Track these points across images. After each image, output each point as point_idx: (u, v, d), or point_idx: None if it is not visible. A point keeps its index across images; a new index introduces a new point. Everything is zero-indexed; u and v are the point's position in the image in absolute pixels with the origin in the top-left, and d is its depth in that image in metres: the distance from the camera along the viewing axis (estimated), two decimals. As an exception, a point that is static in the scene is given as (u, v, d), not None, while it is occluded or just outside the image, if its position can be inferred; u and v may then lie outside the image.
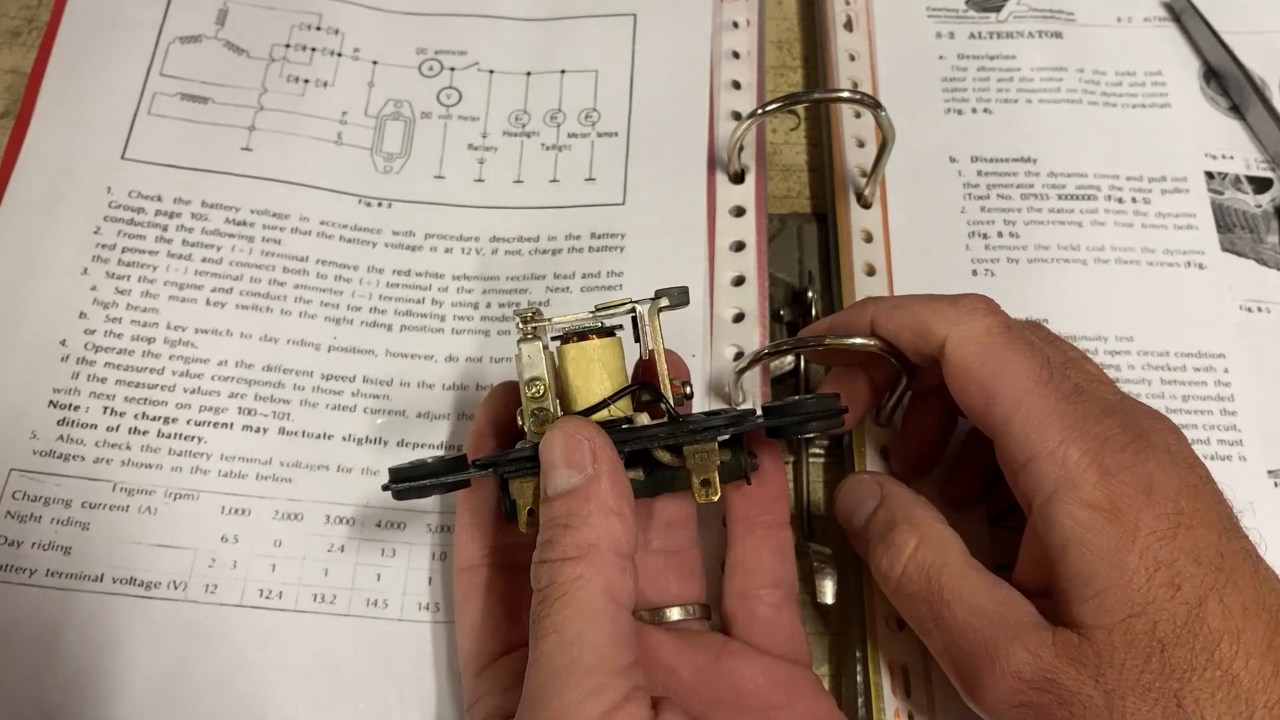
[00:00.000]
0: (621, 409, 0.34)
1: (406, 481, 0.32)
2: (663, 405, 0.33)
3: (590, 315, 0.33)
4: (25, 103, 0.47)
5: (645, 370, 0.35)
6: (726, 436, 0.34)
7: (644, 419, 0.34)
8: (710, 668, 0.34)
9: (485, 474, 0.33)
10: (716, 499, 0.33)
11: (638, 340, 0.34)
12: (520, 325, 0.33)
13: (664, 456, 0.34)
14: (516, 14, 0.52)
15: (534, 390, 0.33)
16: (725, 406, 0.37)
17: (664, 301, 0.33)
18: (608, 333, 0.34)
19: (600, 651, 0.28)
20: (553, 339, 0.34)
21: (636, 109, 0.49)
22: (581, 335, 0.34)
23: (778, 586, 0.36)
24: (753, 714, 0.33)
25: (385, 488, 0.33)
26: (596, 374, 0.33)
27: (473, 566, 0.36)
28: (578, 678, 0.27)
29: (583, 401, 0.33)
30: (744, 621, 0.36)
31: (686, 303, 0.34)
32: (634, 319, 0.34)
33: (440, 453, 0.41)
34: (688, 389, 0.35)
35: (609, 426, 0.32)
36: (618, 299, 0.34)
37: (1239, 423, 0.42)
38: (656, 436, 0.32)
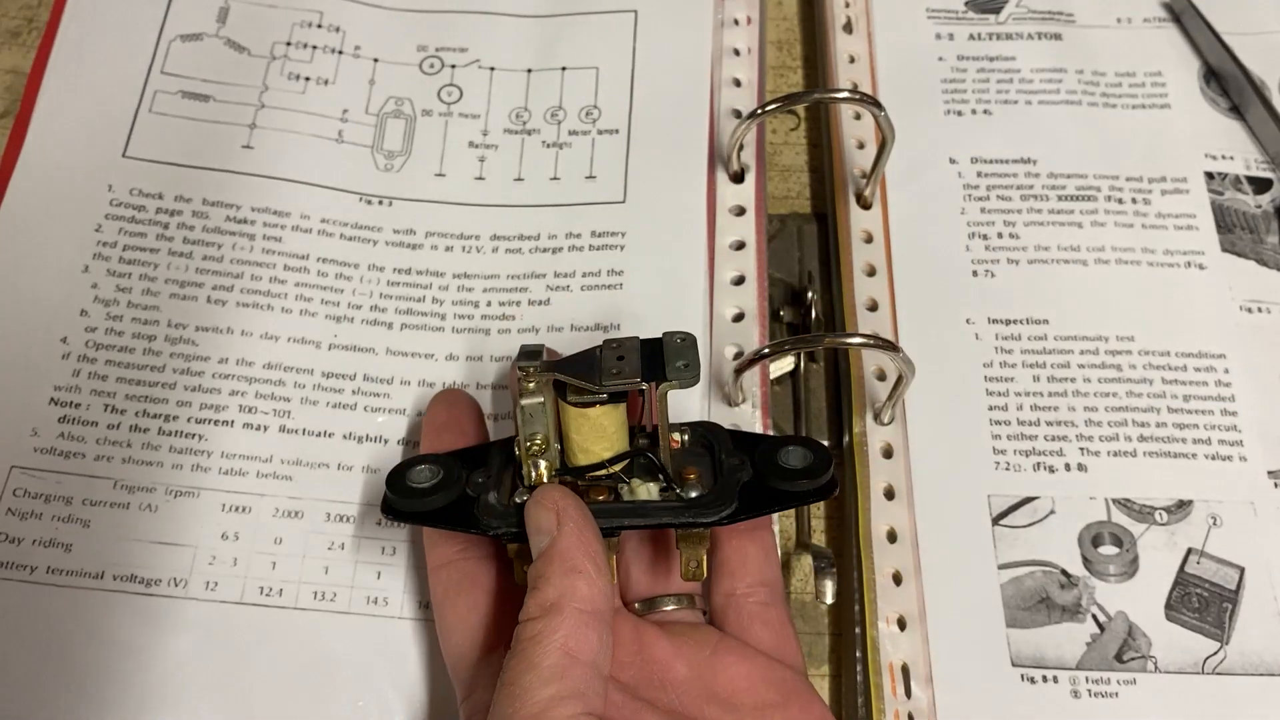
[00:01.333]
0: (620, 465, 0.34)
1: (403, 513, 0.35)
2: (660, 477, 0.34)
3: (602, 388, 0.33)
4: (25, 102, 0.47)
5: (648, 439, 0.35)
6: (718, 522, 0.34)
7: (640, 488, 0.34)
8: (706, 663, 0.34)
9: (487, 533, 0.34)
10: (703, 579, 0.35)
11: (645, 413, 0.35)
12: (523, 379, 0.33)
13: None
14: (517, 10, 0.52)
15: (536, 444, 0.33)
16: (729, 428, 0.37)
17: (675, 384, 0.33)
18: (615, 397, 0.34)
19: (541, 705, 0.28)
20: (557, 394, 0.34)
21: (637, 106, 0.49)
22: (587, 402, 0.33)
23: (765, 585, 0.36)
24: (748, 712, 0.33)
25: (384, 510, 0.35)
26: (599, 440, 0.34)
27: (450, 562, 0.36)
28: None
29: (584, 458, 0.34)
30: (734, 619, 0.36)
31: (697, 380, 0.33)
32: (645, 395, 0.34)
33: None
34: (685, 438, 0.35)
35: (602, 503, 0.33)
36: (626, 381, 0.32)
37: (1239, 423, 0.42)
38: (650, 515, 0.33)
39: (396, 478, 0.35)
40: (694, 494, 0.33)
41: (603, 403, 0.33)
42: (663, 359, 0.33)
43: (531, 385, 0.33)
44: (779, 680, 0.34)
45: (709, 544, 0.34)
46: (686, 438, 0.36)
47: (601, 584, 0.31)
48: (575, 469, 0.34)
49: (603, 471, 0.34)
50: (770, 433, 0.38)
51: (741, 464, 0.34)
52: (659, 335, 0.33)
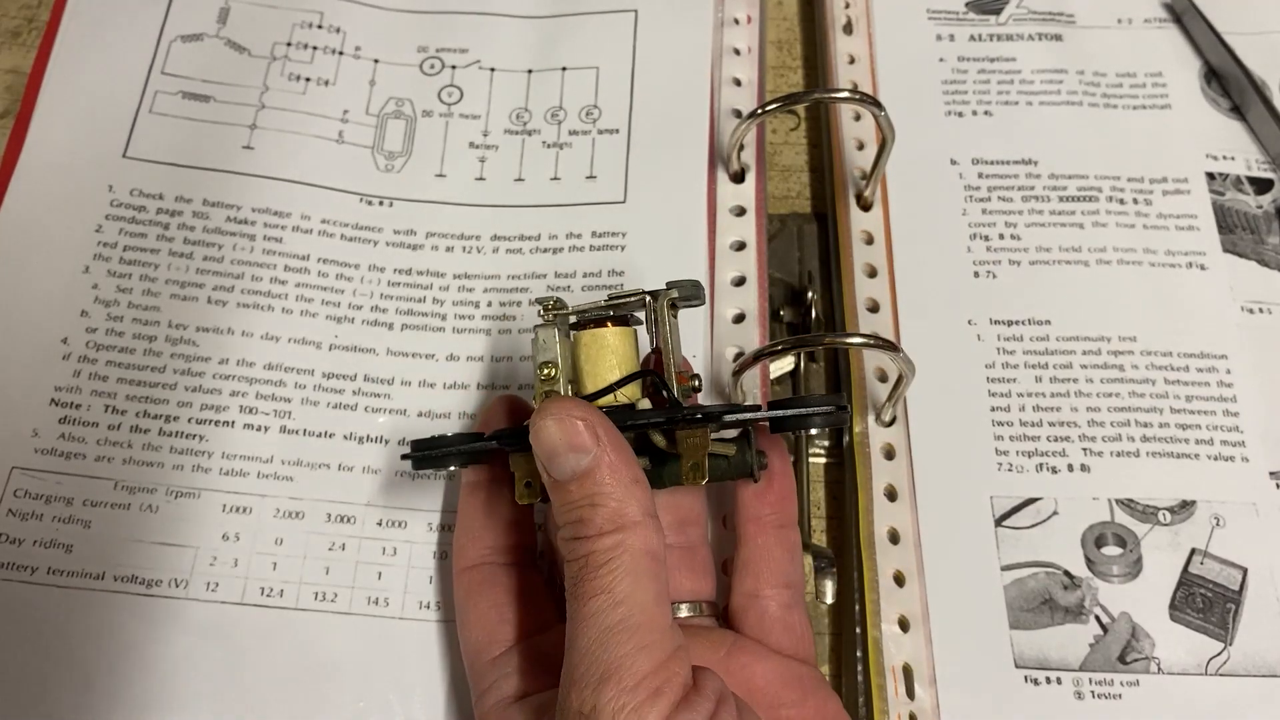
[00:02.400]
0: (628, 395, 0.34)
1: (426, 451, 0.34)
2: (664, 394, 0.34)
3: (607, 303, 0.34)
4: (25, 102, 0.47)
5: (655, 363, 0.35)
6: (720, 424, 0.34)
7: (647, 405, 0.34)
8: (721, 664, 0.34)
9: (498, 446, 0.34)
10: (704, 482, 0.34)
11: (652, 332, 0.35)
12: (541, 312, 0.34)
13: (660, 441, 0.34)
14: (517, 11, 0.52)
15: (546, 372, 0.33)
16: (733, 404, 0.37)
17: (674, 294, 0.34)
18: (623, 321, 0.35)
19: (648, 610, 0.29)
20: (571, 327, 0.35)
21: (637, 106, 0.49)
22: (599, 322, 0.34)
23: (788, 587, 0.36)
24: (763, 710, 0.33)
25: (405, 458, 0.35)
26: (608, 360, 0.34)
27: (475, 565, 0.36)
28: (629, 633, 0.28)
29: (592, 386, 0.34)
30: (754, 621, 0.36)
31: (699, 298, 0.34)
32: (647, 311, 0.35)
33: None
34: (696, 382, 0.35)
35: (611, 411, 0.32)
36: (630, 290, 0.34)
37: (1241, 423, 0.42)
38: (650, 419, 0.33)
39: (419, 442, 0.35)
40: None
41: (615, 323, 0.34)
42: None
43: (551, 316, 0.34)
44: (796, 678, 0.35)
45: (707, 449, 0.34)
46: (698, 382, 0.35)
47: (650, 489, 0.31)
48: (586, 396, 0.34)
49: (611, 396, 0.34)
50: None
51: (755, 409, 0.34)
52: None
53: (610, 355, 0.34)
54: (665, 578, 0.30)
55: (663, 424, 0.33)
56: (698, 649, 0.34)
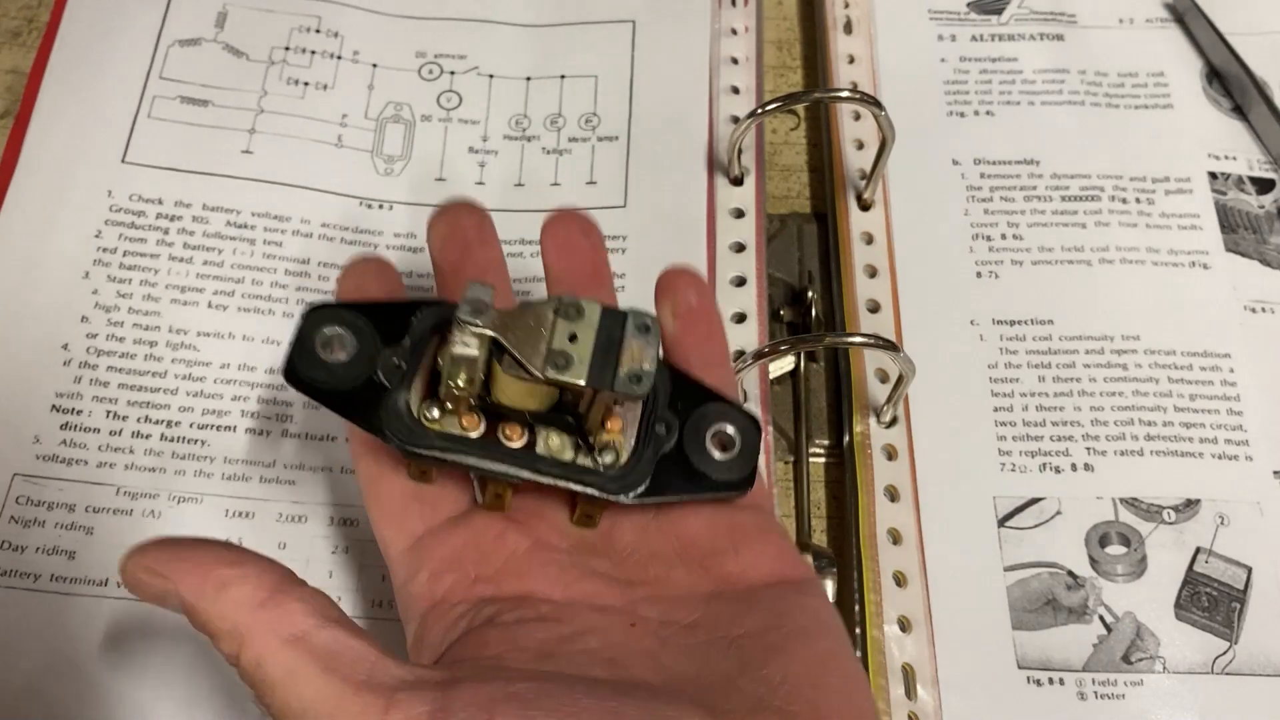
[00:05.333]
0: (538, 402, 0.31)
1: (305, 384, 0.31)
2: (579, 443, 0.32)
3: (536, 373, 0.30)
4: (25, 104, 0.47)
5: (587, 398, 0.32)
6: (618, 501, 0.31)
7: (555, 439, 0.32)
8: (652, 524, 0.32)
9: (387, 443, 0.31)
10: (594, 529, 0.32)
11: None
12: (458, 329, 0.30)
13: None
14: (515, 20, 0.52)
15: (458, 387, 0.30)
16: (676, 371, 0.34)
17: (618, 397, 0.30)
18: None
19: (328, 700, 0.25)
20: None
21: (637, 114, 0.49)
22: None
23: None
24: (697, 563, 0.31)
25: (285, 375, 0.31)
26: (526, 397, 0.31)
27: (370, 452, 0.33)
28: None
29: (507, 403, 0.31)
30: None
31: (644, 396, 0.30)
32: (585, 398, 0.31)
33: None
34: (617, 446, 0.32)
35: (512, 450, 0.31)
36: (568, 378, 0.29)
37: (1244, 422, 0.42)
38: (555, 475, 0.31)
39: (305, 338, 0.32)
40: (607, 460, 0.31)
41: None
42: (620, 350, 0.30)
43: (468, 337, 0.30)
44: (729, 525, 0.32)
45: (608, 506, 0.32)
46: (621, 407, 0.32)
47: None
48: (495, 405, 0.31)
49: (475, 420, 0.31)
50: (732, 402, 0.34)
51: (669, 429, 0.32)
52: (625, 310, 0.31)
53: (530, 395, 0.31)
54: (338, 636, 0.26)
55: (565, 489, 0.31)
56: (629, 511, 0.32)
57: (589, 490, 0.31)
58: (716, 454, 0.32)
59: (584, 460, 0.31)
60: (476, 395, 0.31)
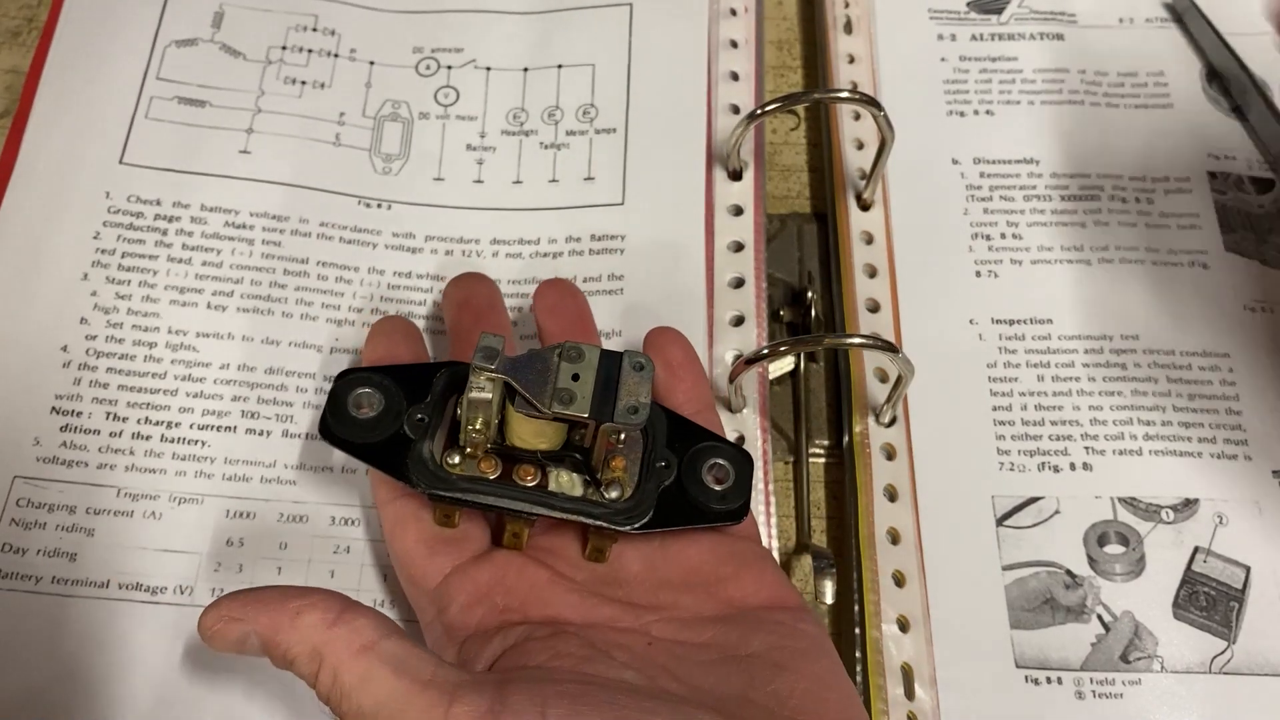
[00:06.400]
0: (549, 441, 0.35)
1: (340, 440, 0.35)
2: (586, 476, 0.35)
3: (543, 409, 0.33)
4: (23, 104, 0.47)
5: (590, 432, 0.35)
6: (627, 532, 0.35)
7: (565, 477, 0.35)
8: (658, 553, 0.36)
9: (414, 489, 0.34)
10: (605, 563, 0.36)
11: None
12: (474, 377, 0.33)
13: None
14: (512, 8, 0.51)
15: (474, 432, 0.34)
16: (671, 413, 0.37)
17: (618, 427, 0.33)
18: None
19: (398, 699, 0.29)
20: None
21: (634, 103, 0.49)
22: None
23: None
24: (700, 590, 0.35)
25: (321, 433, 0.35)
26: (537, 436, 0.35)
27: (395, 499, 0.37)
28: None
29: (520, 444, 0.35)
30: None
31: (641, 426, 0.33)
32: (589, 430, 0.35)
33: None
34: (623, 480, 0.35)
35: (525, 488, 0.34)
36: (573, 413, 0.33)
37: (1243, 422, 0.42)
38: (566, 510, 0.34)
39: (338, 399, 0.35)
40: (613, 494, 0.34)
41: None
42: (618, 387, 0.33)
43: (483, 381, 0.33)
44: (730, 553, 0.36)
45: (617, 538, 0.35)
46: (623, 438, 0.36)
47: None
48: (509, 449, 0.35)
49: (494, 464, 0.35)
50: (721, 434, 0.38)
51: (668, 465, 0.36)
52: (621, 351, 0.34)
53: (540, 434, 0.35)
54: (403, 646, 0.29)
55: (577, 522, 0.35)
56: (635, 543, 0.36)
57: (599, 522, 0.34)
58: (713, 486, 0.36)
59: (593, 495, 0.35)
60: (493, 440, 0.35)
